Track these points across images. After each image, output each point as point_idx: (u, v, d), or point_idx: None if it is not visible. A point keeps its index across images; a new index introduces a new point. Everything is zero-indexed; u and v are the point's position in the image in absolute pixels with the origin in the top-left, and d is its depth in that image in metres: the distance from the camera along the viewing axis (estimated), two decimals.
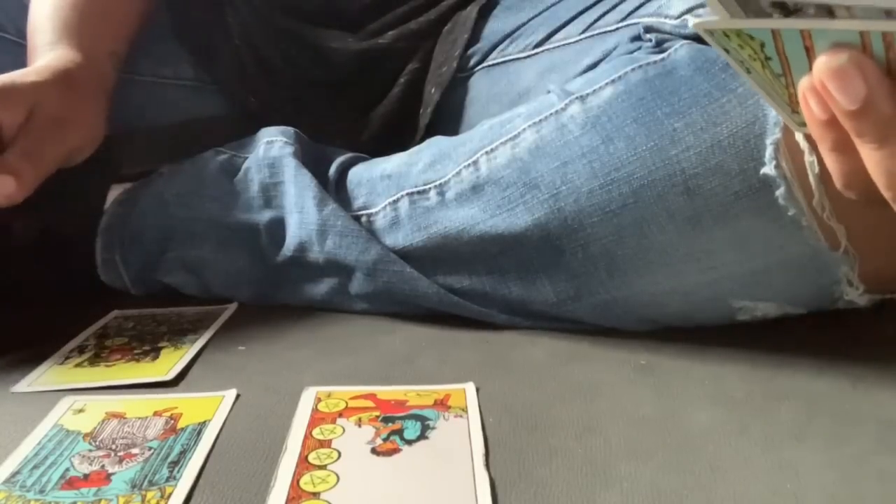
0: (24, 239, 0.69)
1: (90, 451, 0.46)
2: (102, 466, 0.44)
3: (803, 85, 0.34)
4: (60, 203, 0.70)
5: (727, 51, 0.34)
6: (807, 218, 0.51)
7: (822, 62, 0.32)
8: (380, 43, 0.77)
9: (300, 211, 0.65)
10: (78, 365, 0.58)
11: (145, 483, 0.43)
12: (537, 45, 0.71)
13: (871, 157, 0.34)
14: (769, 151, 0.50)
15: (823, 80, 0.33)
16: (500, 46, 0.75)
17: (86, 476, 0.43)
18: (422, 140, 0.69)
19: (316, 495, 0.41)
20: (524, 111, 0.60)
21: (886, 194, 0.35)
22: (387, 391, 0.52)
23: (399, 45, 0.77)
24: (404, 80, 0.77)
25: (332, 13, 0.78)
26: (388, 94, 0.78)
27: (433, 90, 0.75)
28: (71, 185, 0.71)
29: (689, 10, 0.56)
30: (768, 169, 0.50)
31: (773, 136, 0.50)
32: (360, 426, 0.48)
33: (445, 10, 0.78)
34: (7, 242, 0.68)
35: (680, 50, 0.54)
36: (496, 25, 0.76)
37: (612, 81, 0.56)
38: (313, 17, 0.79)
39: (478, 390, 0.52)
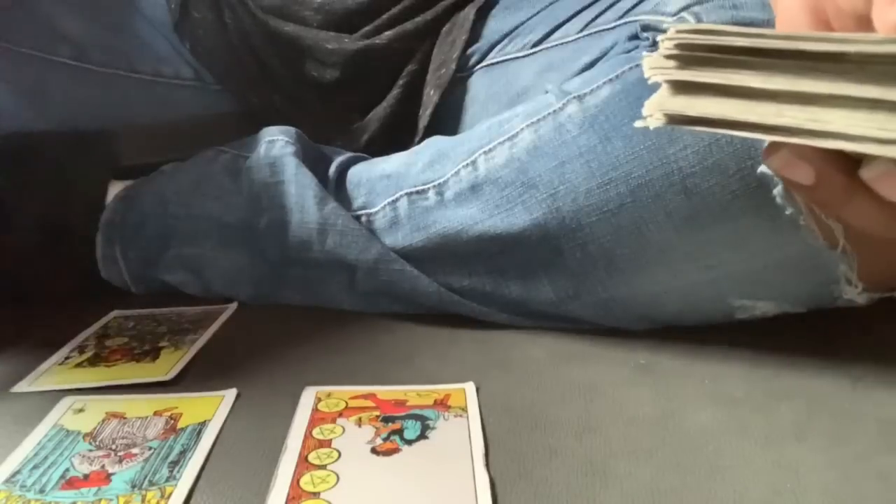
0: (24, 233, 0.69)
1: (90, 451, 0.46)
2: (102, 466, 0.44)
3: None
4: (60, 196, 0.70)
5: None
6: (804, 217, 0.51)
7: (766, 162, 0.34)
8: (376, 43, 0.77)
9: (300, 210, 0.65)
10: (78, 365, 0.58)
11: (145, 483, 0.43)
12: (536, 44, 0.71)
13: (844, 214, 0.35)
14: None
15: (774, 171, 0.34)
16: (499, 46, 0.75)
17: (86, 476, 0.43)
18: (421, 141, 0.69)
19: (316, 495, 0.41)
20: (522, 111, 0.60)
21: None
22: (387, 391, 0.52)
23: (396, 45, 0.77)
24: (403, 82, 0.77)
25: (328, 15, 0.78)
26: (386, 96, 0.78)
27: (432, 92, 0.75)
28: (70, 178, 0.71)
29: (686, 7, 0.56)
30: (765, 167, 0.50)
31: None
32: (360, 426, 0.48)
33: (442, 11, 0.78)
34: (7, 236, 0.69)
35: None
36: (495, 25, 0.76)
37: (610, 81, 0.56)
38: (309, 20, 0.79)
39: (478, 390, 0.52)
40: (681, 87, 0.33)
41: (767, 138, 0.31)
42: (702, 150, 0.52)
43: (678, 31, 0.32)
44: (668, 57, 0.32)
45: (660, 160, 0.53)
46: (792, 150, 0.33)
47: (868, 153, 0.29)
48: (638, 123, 0.33)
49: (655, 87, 0.34)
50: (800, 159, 0.33)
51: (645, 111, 0.33)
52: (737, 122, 0.31)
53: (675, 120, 0.33)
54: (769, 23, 0.52)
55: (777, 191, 0.50)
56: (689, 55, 0.32)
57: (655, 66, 0.33)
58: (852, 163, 0.33)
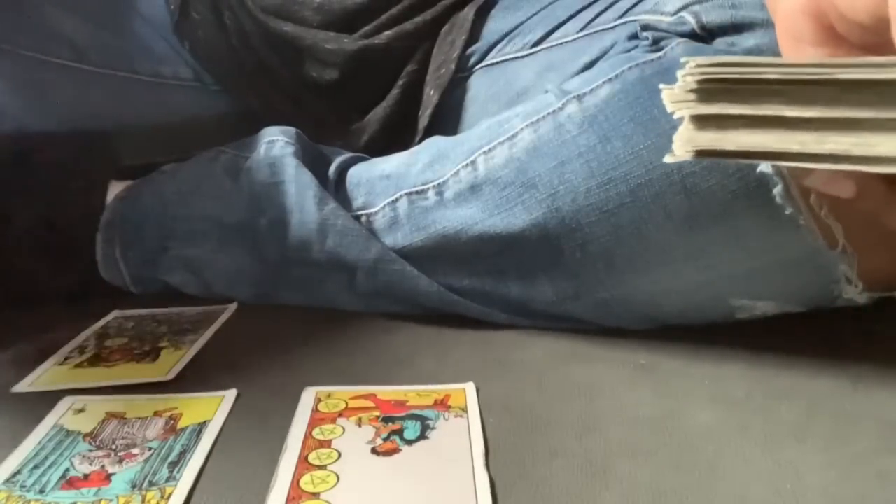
0: (24, 233, 0.69)
1: (90, 451, 0.46)
2: (102, 466, 0.44)
3: None
4: (60, 196, 0.70)
5: None
6: (804, 216, 0.51)
7: (806, 181, 0.34)
8: (376, 43, 0.77)
9: (300, 210, 0.65)
10: (78, 365, 0.58)
11: (145, 483, 0.43)
12: (535, 44, 0.71)
13: (887, 220, 0.35)
14: None
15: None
16: (499, 46, 0.75)
17: (86, 476, 0.43)
18: (421, 141, 0.69)
19: (316, 495, 0.41)
20: (522, 111, 0.60)
21: None
22: (387, 391, 0.52)
23: (396, 45, 0.77)
24: (403, 82, 0.78)
25: (328, 15, 0.78)
26: (386, 96, 0.78)
27: (432, 92, 0.75)
28: (70, 178, 0.71)
29: (685, 7, 0.56)
30: (765, 167, 0.50)
31: None
32: (360, 426, 0.48)
33: (442, 11, 0.78)
34: (7, 236, 0.69)
35: (676, 48, 0.55)
36: (494, 25, 0.76)
37: (609, 80, 0.56)
38: (309, 20, 0.79)
39: (478, 390, 0.52)
40: (706, 120, 0.32)
41: (813, 167, 0.30)
42: None
43: (699, 65, 0.31)
44: (690, 91, 0.32)
45: (659, 160, 0.53)
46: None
47: None
48: (667, 158, 0.33)
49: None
50: (839, 174, 0.33)
51: (675, 147, 0.33)
52: (776, 152, 0.31)
53: (708, 154, 0.32)
54: (768, 22, 0.52)
55: (777, 190, 0.50)
56: (713, 88, 0.31)
57: (677, 100, 0.32)
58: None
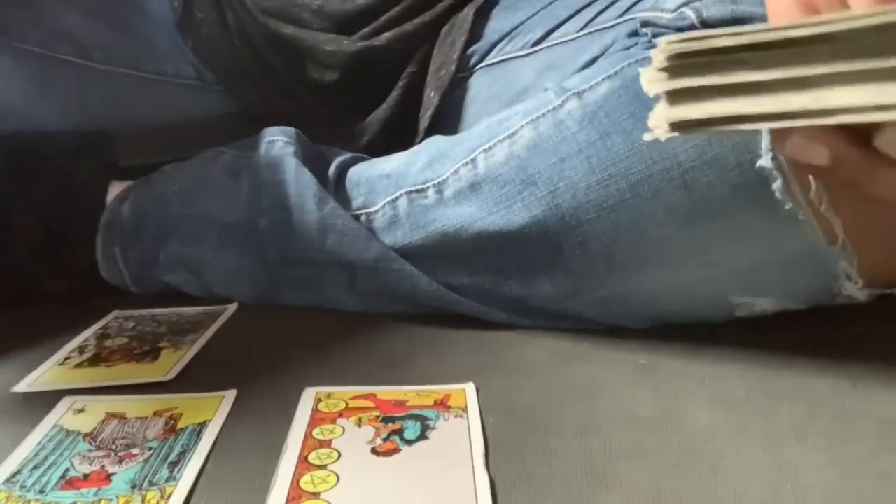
0: (24, 233, 0.69)
1: (90, 451, 0.46)
2: (102, 467, 0.44)
3: None
4: (60, 196, 0.70)
5: None
6: (804, 211, 0.51)
7: (780, 150, 0.35)
8: (375, 45, 0.77)
9: (300, 210, 0.65)
10: (78, 365, 0.58)
11: (145, 483, 0.43)
12: (536, 44, 0.71)
13: (873, 189, 0.35)
14: (765, 143, 0.50)
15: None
16: (499, 45, 0.75)
17: (86, 476, 0.43)
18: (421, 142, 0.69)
19: (316, 495, 0.41)
20: (522, 108, 0.60)
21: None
22: (387, 391, 0.52)
23: (395, 46, 0.77)
24: (403, 84, 0.77)
25: (328, 17, 0.78)
26: (387, 98, 0.78)
27: (432, 94, 0.75)
28: (70, 178, 0.71)
29: (686, 3, 0.56)
30: (765, 161, 0.50)
31: None
32: (360, 426, 0.48)
33: (441, 12, 0.77)
34: (7, 236, 0.69)
35: None
36: (494, 25, 0.76)
37: (609, 77, 0.56)
38: (309, 22, 0.79)
39: (478, 390, 0.52)
40: (680, 96, 0.34)
41: (775, 125, 0.32)
42: (701, 143, 0.52)
43: (668, 43, 0.33)
44: (662, 69, 0.33)
45: (659, 155, 0.53)
46: (802, 134, 0.34)
47: (871, 121, 0.30)
48: (646, 136, 0.34)
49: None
50: (811, 141, 0.34)
51: (650, 124, 0.34)
52: (743, 115, 0.32)
53: (681, 126, 0.34)
54: (767, 17, 0.52)
55: (776, 185, 0.50)
56: (683, 64, 0.33)
57: (652, 79, 0.34)
58: (866, 137, 0.33)
